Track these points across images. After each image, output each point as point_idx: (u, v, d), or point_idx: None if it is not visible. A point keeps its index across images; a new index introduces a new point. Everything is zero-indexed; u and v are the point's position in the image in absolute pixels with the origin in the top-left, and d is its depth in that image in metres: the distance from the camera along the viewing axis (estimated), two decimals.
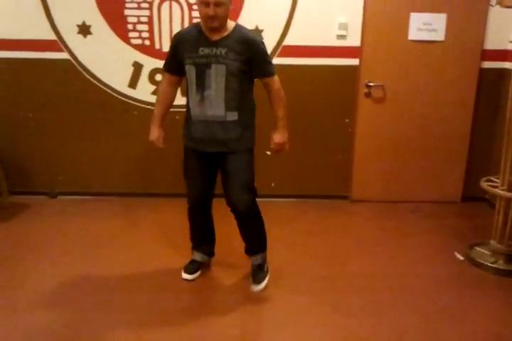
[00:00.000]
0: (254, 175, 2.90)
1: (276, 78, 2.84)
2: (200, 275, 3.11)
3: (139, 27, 4.10)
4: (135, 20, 4.09)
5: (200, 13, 2.62)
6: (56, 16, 4.09)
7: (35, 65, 4.18)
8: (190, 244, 3.17)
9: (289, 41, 4.14)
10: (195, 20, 4.08)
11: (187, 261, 3.15)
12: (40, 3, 4.05)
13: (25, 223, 3.88)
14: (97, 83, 4.22)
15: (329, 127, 4.34)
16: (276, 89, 2.84)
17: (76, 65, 4.18)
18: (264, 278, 3.01)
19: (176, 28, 4.07)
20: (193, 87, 2.73)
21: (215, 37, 2.69)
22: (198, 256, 3.16)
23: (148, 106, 4.23)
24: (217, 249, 3.22)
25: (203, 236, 3.16)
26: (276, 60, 4.14)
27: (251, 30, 2.86)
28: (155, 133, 2.92)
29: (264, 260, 3.09)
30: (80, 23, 4.09)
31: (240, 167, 2.83)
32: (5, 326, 2.57)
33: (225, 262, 3.25)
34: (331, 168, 4.43)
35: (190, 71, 2.72)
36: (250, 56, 2.70)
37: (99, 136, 4.37)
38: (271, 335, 2.59)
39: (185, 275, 3.07)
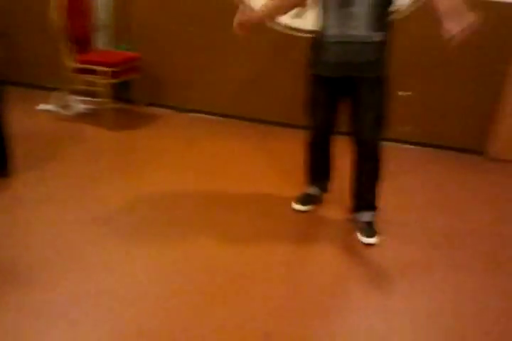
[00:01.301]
0: (388, 106, 2.60)
1: None
2: (311, 208, 3.02)
3: None
4: None
5: None
6: None
7: None
8: (302, 175, 3.06)
9: None
10: None
11: (298, 191, 3.07)
12: None
13: (150, 132, 4.03)
14: None
15: (479, 73, 3.87)
16: None
17: None
18: (375, 235, 2.71)
19: None
20: (331, 4, 2.42)
21: None
22: (312, 190, 3.04)
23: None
24: (333, 184, 3.09)
25: (320, 172, 3.02)
26: None
27: None
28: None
29: (373, 219, 2.78)
30: None
31: (376, 96, 2.56)
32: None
33: (338, 200, 3.10)
34: (470, 118, 4.00)
35: None
36: None
37: (234, 56, 4.30)
38: (368, 284, 2.42)
39: (296, 206, 2.99)
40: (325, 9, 2.47)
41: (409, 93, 4.02)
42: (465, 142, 4.09)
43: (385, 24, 2.45)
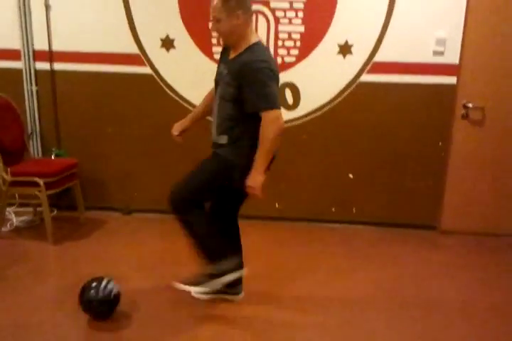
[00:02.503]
0: (206, 184, 2.70)
1: (269, 115, 2.45)
2: None
3: None
4: None
5: None
6: (140, 29, 4.02)
7: (117, 79, 4.13)
8: None
9: (380, 57, 3.88)
10: (281, 35, 3.89)
11: None
12: (124, 16, 4.00)
13: (99, 241, 3.79)
14: (177, 99, 4.11)
15: (419, 150, 4.02)
16: (263, 128, 2.47)
17: (158, 79, 4.09)
18: (202, 284, 2.76)
19: None
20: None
21: (232, 55, 2.59)
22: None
23: None
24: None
25: None
26: (365, 77, 3.91)
27: (260, 54, 2.50)
28: (180, 121, 2.96)
29: (216, 272, 2.74)
30: (164, 36, 4.00)
31: (201, 166, 2.72)
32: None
33: None
34: (418, 195, 4.09)
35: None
36: (241, 83, 2.46)
37: (176, 154, 4.23)
38: None
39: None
40: None
41: (351, 176, 4.09)
42: (417, 218, 4.14)
43: (237, 131, 2.58)
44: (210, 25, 2.58)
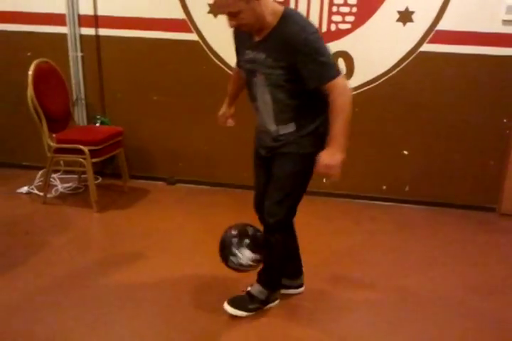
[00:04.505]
0: (299, 190, 2.36)
1: (336, 83, 2.10)
2: None
3: None
4: None
5: None
6: None
7: (163, 46, 4.01)
8: None
9: (443, 25, 3.59)
10: (336, 1, 3.66)
11: None
12: None
13: (142, 211, 3.74)
14: (224, 67, 3.94)
15: (482, 127, 3.75)
16: (334, 99, 2.12)
17: (204, 46, 3.93)
18: (241, 309, 2.50)
19: (314, 9, 3.68)
20: (248, 94, 2.40)
21: (259, 36, 2.18)
22: None
23: None
24: None
25: None
26: (426, 47, 3.65)
27: (299, 21, 2.10)
28: (221, 110, 2.70)
29: (261, 298, 2.52)
30: (212, 1, 3.80)
31: (281, 174, 2.34)
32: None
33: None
34: (478, 174, 3.85)
35: (244, 76, 2.38)
36: (293, 60, 2.10)
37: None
38: None
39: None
40: None
41: (406, 152, 3.88)
42: (475, 199, 3.91)
43: (301, 113, 2.27)
44: (228, 23, 2.12)
